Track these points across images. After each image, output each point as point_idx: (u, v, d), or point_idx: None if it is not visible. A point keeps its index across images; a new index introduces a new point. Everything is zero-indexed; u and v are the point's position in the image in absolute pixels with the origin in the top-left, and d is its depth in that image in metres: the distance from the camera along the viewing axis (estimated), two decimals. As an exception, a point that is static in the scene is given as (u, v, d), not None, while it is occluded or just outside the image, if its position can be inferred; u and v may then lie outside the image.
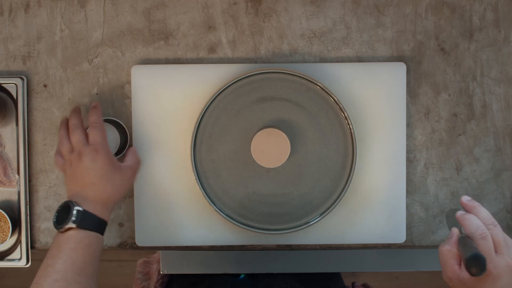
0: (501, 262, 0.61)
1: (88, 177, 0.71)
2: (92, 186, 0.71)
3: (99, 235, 0.70)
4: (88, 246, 0.68)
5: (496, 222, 0.64)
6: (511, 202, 0.86)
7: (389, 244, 0.85)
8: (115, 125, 0.80)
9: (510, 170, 0.86)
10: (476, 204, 0.67)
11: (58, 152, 0.77)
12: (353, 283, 1.05)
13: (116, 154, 0.80)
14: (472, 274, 0.59)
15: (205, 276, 0.94)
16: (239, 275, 0.98)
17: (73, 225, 0.67)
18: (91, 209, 0.69)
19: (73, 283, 0.64)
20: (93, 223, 0.69)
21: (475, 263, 0.59)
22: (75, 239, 0.67)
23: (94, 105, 0.78)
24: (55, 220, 0.69)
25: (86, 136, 0.75)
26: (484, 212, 0.66)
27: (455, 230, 0.66)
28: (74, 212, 0.68)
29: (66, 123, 0.78)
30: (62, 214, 0.69)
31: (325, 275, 1.00)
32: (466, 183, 0.85)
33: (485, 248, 0.62)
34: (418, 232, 0.86)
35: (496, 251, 0.62)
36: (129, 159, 0.79)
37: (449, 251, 0.64)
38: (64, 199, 0.85)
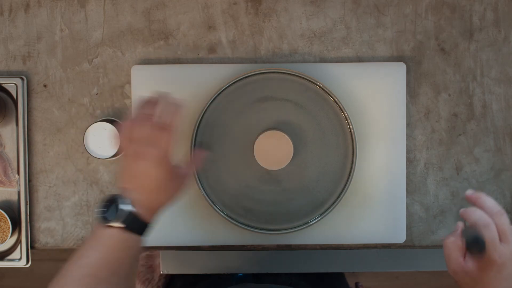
0: (506, 251, 0.60)
1: (144, 181, 0.66)
2: (148, 194, 0.67)
3: (141, 239, 0.66)
4: (129, 248, 0.65)
5: (503, 211, 0.62)
6: (511, 202, 0.86)
7: (389, 244, 0.85)
8: (115, 125, 0.80)
9: (510, 170, 0.86)
10: (480, 194, 0.65)
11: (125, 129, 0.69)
12: (356, 283, 1.05)
13: (116, 154, 0.80)
14: (472, 254, 0.58)
15: (209, 273, 0.94)
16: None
17: (122, 225, 0.64)
18: (141, 212, 0.65)
19: (105, 283, 0.61)
20: (140, 227, 0.66)
21: (475, 244, 0.59)
22: (117, 239, 0.64)
23: (180, 103, 0.68)
24: (101, 211, 0.65)
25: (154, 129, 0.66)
26: (489, 201, 0.64)
27: (460, 224, 0.66)
28: (126, 213, 0.64)
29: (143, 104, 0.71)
30: (111, 208, 0.65)
31: (329, 275, 1.00)
32: (466, 183, 0.85)
33: (489, 236, 0.60)
34: (418, 232, 0.85)
35: (501, 240, 0.61)
36: (188, 166, 0.74)
37: (453, 243, 0.63)
38: (63, 199, 0.85)
